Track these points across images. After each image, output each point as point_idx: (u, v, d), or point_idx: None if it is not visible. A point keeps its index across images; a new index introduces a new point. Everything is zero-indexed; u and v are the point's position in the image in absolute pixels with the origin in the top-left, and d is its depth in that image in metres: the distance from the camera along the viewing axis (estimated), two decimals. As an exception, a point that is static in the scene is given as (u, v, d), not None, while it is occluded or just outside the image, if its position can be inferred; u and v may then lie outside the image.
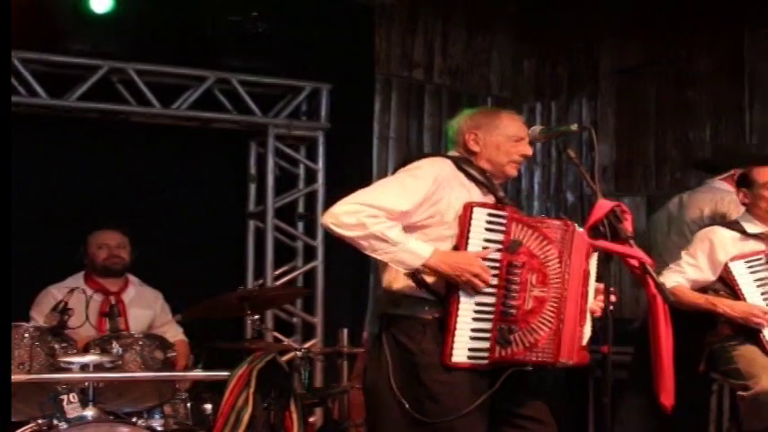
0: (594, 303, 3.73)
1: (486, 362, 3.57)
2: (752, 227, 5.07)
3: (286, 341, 7.13)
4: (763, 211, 5.04)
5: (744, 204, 5.17)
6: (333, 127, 7.47)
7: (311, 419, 6.49)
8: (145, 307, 6.14)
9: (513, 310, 3.55)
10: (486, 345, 3.57)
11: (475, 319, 3.58)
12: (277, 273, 7.43)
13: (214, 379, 5.37)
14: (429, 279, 3.62)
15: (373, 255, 3.59)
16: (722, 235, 5.08)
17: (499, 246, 3.59)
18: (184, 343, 6.12)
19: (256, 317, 5.67)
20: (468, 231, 3.59)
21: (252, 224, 7.48)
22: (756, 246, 5.03)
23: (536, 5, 8.51)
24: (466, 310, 3.58)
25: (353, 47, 7.49)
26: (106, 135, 6.87)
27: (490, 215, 3.62)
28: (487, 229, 3.61)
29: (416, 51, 8.14)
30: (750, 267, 4.95)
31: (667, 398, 3.46)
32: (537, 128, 3.89)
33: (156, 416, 5.27)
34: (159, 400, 5.22)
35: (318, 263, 7.48)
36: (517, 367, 3.59)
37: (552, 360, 3.54)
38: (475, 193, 3.76)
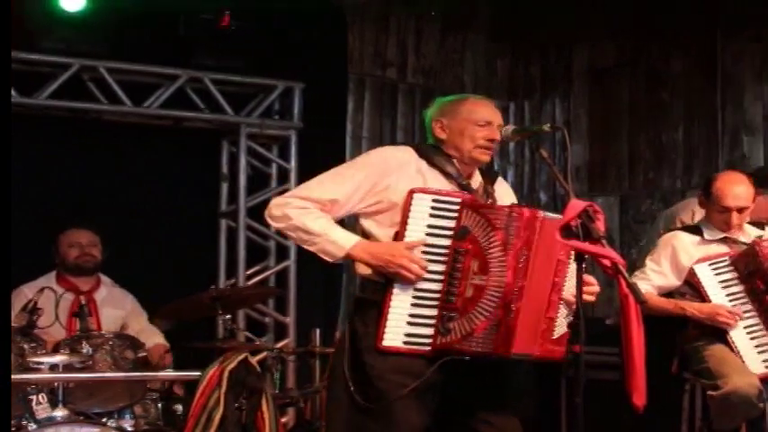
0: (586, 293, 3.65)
1: (428, 348, 3.52)
2: (709, 233, 5.08)
3: (258, 341, 7.12)
4: (716, 223, 5.06)
5: (702, 208, 5.20)
6: (305, 126, 7.46)
7: (283, 420, 6.48)
8: (117, 307, 6.11)
9: (453, 297, 3.50)
10: (429, 331, 3.52)
11: (414, 305, 3.53)
12: (249, 272, 7.41)
13: (185, 379, 5.35)
14: (363, 268, 3.63)
15: (304, 246, 3.65)
16: (684, 240, 5.09)
17: (449, 232, 3.55)
18: (165, 347, 6.07)
19: (228, 316, 5.65)
20: (407, 218, 3.56)
21: (224, 223, 7.45)
22: (719, 248, 5.04)
23: (510, 5, 8.51)
24: (402, 295, 3.53)
25: (326, 46, 7.47)
26: (77, 134, 6.83)
27: (436, 201, 3.57)
28: (432, 215, 3.56)
29: (390, 50, 8.12)
30: (715, 270, 4.95)
31: (639, 398, 3.45)
32: (510, 127, 3.87)
33: (127, 416, 5.24)
34: (130, 400, 5.20)
35: (291, 262, 7.46)
36: (456, 356, 3.51)
37: (495, 351, 3.47)
38: (434, 181, 3.72)
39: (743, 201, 4.96)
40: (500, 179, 4.07)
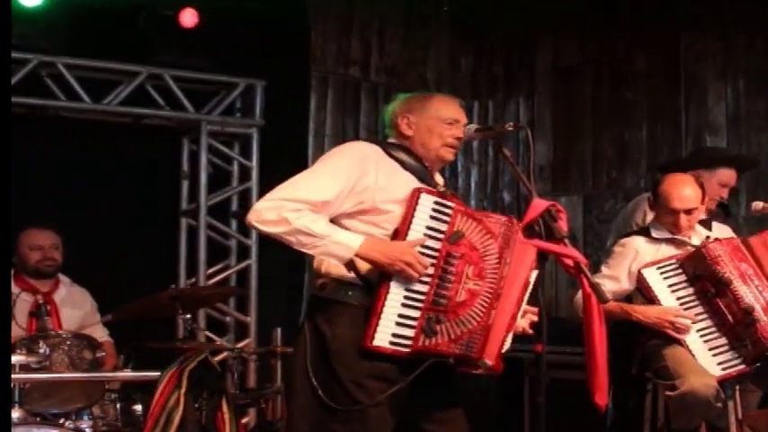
0: (522, 321, 3.67)
1: (407, 350, 3.48)
2: (658, 233, 5.08)
3: (218, 341, 7.07)
4: (665, 225, 5.06)
5: (650, 210, 5.20)
6: (267, 124, 7.42)
7: (244, 420, 6.45)
8: (77, 307, 6.06)
9: (444, 300, 3.47)
10: (411, 333, 3.48)
11: (404, 305, 3.49)
12: (210, 271, 7.36)
13: (144, 379, 5.31)
14: (363, 266, 3.54)
15: (303, 250, 3.51)
16: (639, 243, 5.08)
17: (441, 235, 3.52)
18: (111, 344, 6.02)
19: (188, 316, 5.60)
20: (413, 217, 3.52)
21: (184, 222, 7.39)
22: (668, 249, 5.04)
23: (473, 4, 8.50)
24: (396, 295, 3.49)
25: (289, 43, 7.42)
26: (35, 131, 6.74)
27: (437, 203, 3.55)
28: (432, 218, 3.54)
29: (353, 49, 8.09)
30: (663, 273, 4.94)
31: (601, 397, 3.44)
32: (472, 126, 3.84)
33: (85, 417, 5.22)
34: (88, 401, 5.16)
35: (252, 261, 7.42)
36: (438, 359, 3.49)
37: (475, 356, 3.46)
38: (408, 180, 3.67)
39: (690, 202, 4.95)
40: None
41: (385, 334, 3.48)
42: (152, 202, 7.28)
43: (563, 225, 3.41)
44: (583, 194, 8.04)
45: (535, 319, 3.68)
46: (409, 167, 3.72)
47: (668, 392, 4.72)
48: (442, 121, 3.77)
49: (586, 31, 8.07)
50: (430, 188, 3.62)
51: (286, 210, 3.47)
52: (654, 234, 5.08)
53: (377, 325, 3.47)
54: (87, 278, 6.21)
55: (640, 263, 4.99)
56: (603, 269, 5.12)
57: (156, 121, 7.19)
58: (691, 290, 4.89)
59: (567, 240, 3.38)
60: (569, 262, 3.39)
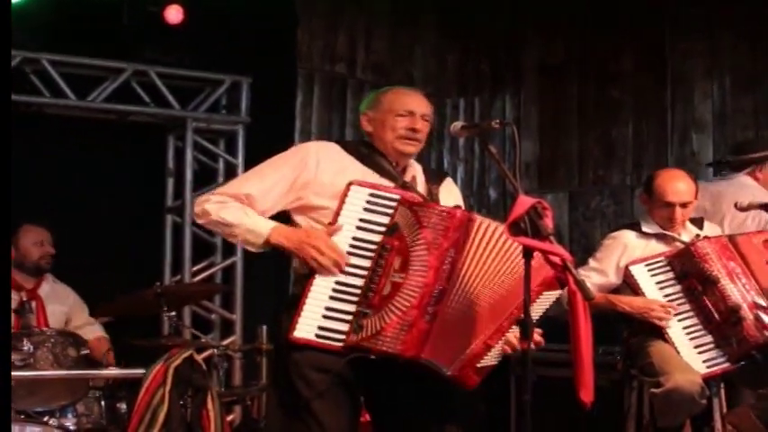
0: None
1: (339, 344, 3.43)
2: (648, 227, 5.09)
3: (204, 338, 7.05)
4: (660, 220, 5.07)
5: (644, 207, 5.20)
6: (253, 121, 7.40)
7: (229, 417, 6.43)
8: (61, 303, 6.07)
9: (371, 294, 3.43)
10: (343, 327, 3.43)
11: (332, 298, 3.45)
12: (195, 269, 7.33)
13: (129, 377, 5.29)
14: None
15: (229, 240, 3.74)
16: (629, 237, 5.09)
17: (381, 228, 3.48)
18: (107, 340, 6.00)
19: (173, 313, 5.58)
20: (341, 209, 3.51)
21: (170, 219, 7.36)
22: (658, 245, 5.05)
23: (460, 1, 8.49)
24: (321, 287, 3.45)
25: (275, 40, 7.41)
26: (19, 128, 6.68)
27: (373, 195, 3.52)
28: (366, 210, 3.51)
29: (339, 46, 8.07)
30: (650, 270, 4.95)
31: (587, 394, 3.42)
32: (458, 123, 3.83)
33: (69, 415, 5.20)
34: (72, 398, 5.15)
35: (237, 259, 7.39)
36: (364, 355, 3.41)
37: (403, 354, 3.37)
38: (368, 177, 3.66)
39: (685, 195, 4.99)
40: (449, 180, 4.00)
41: (309, 326, 3.44)
42: (137, 200, 7.25)
43: (548, 222, 3.38)
44: (569, 192, 8.04)
45: (540, 340, 3.59)
46: (369, 163, 3.73)
47: (653, 390, 4.72)
48: (395, 114, 3.76)
49: (573, 29, 8.08)
50: (367, 181, 3.59)
51: (210, 202, 3.63)
52: (645, 228, 5.09)
53: (299, 316, 3.44)
54: (72, 275, 6.19)
55: (629, 257, 5.00)
56: (591, 262, 5.14)
57: (142, 118, 7.15)
58: (678, 287, 4.89)
59: (552, 238, 3.37)
60: (555, 259, 3.37)
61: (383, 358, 3.43)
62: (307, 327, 3.44)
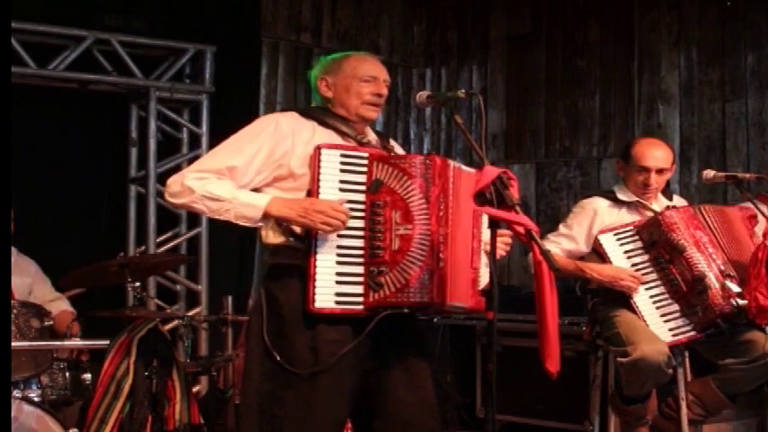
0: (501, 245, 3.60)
1: (361, 307, 3.45)
2: (623, 195, 5.11)
3: (169, 309, 7.02)
4: (635, 187, 5.08)
5: (619, 175, 5.21)
6: (218, 90, 7.32)
7: (195, 388, 6.41)
8: (24, 275, 5.96)
9: (379, 251, 3.44)
10: (358, 289, 3.45)
11: (340, 263, 3.46)
12: (160, 239, 7.27)
13: (93, 348, 5.25)
14: (297, 228, 3.53)
15: (216, 216, 3.53)
16: (600, 205, 5.11)
17: (361, 187, 3.49)
18: (71, 313, 5.94)
19: (138, 284, 5.51)
20: (319, 174, 3.48)
21: (133, 189, 7.29)
22: (630, 214, 5.07)
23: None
24: (326, 253, 3.45)
25: (239, 8, 7.35)
26: (-21, 96, 6.62)
27: (344, 156, 3.51)
28: (343, 171, 3.50)
29: (304, 14, 8.02)
30: (619, 240, 4.97)
31: (553, 364, 3.42)
32: (424, 93, 3.81)
33: (33, 386, 5.16)
34: (36, 370, 5.10)
35: (202, 229, 7.34)
36: (393, 311, 3.45)
37: (432, 301, 3.44)
38: (331, 140, 3.64)
39: (661, 162, 5.02)
40: (391, 140, 4.01)
41: (327, 295, 3.44)
42: (100, 170, 7.17)
43: (514, 192, 3.38)
44: (535, 162, 8.05)
45: (509, 241, 3.69)
46: (330, 126, 3.71)
47: (620, 359, 4.74)
48: (359, 80, 3.74)
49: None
50: (335, 143, 3.58)
51: (189, 179, 3.51)
52: (619, 196, 5.10)
53: (314, 287, 3.44)
54: (34, 247, 6.10)
55: (600, 224, 5.02)
56: (562, 228, 5.15)
57: (104, 87, 7.05)
58: (646, 256, 4.92)
59: (518, 207, 3.36)
60: (520, 229, 3.36)
61: (413, 310, 3.51)
62: (325, 295, 3.44)
